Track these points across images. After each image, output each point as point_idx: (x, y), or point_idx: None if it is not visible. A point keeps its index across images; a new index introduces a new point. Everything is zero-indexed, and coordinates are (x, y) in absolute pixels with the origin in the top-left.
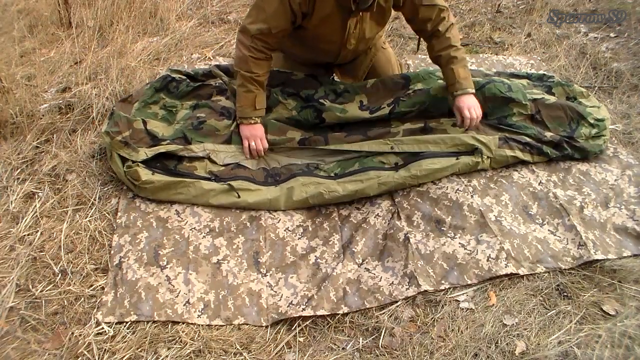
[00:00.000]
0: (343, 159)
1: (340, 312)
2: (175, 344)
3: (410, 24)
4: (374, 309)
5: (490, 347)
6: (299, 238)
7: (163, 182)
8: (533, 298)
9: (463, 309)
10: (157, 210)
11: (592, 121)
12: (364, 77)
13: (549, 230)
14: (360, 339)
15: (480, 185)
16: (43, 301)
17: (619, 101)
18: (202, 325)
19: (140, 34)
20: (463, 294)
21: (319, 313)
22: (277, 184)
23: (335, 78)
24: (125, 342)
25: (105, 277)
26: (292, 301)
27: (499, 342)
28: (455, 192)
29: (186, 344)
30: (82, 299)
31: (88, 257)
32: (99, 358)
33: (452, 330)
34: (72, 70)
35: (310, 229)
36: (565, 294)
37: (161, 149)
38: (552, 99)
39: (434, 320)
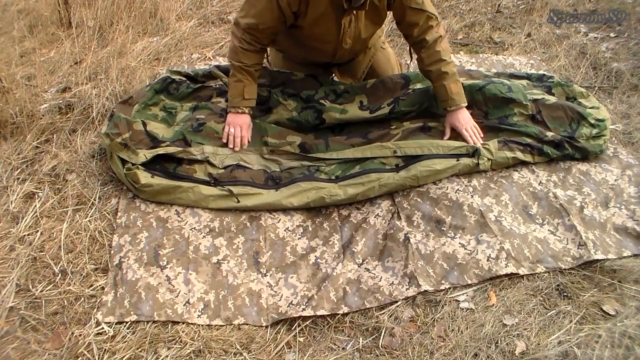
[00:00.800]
0: (343, 162)
1: (340, 312)
2: (175, 344)
3: (398, 26)
4: (374, 309)
5: (490, 347)
6: (299, 238)
7: (162, 186)
8: (533, 298)
9: (463, 309)
10: (157, 210)
11: (592, 121)
12: (363, 77)
13: (549, 230)
14: (360, 339)
15: (480, 185)
16: (43, 301)
17: (619, 101)
18: (202, 325)
19: (140, 34)
20: (463, 294)
21: (319, 313)
22: (277, 187)
23: (335, 78)
24: (125, 342)
25: (105, 277)
26: (292, 301)
27: (499, 342)
28: (455, 192)
29: (186, 344)
30: (82, 299)
31: (88, 257)
32: (99, 358)
33: (452, 330)
34: (72, 70)
35: (310, 229)
36: (565, 294)
37: (160, 150)
38: (552, 99)
39: (434, 320)
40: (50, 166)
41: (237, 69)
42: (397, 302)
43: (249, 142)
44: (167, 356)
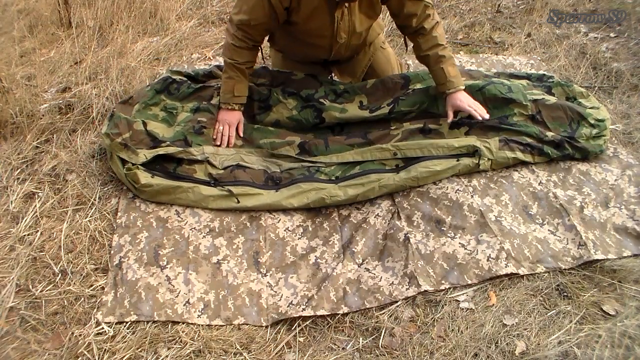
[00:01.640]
0: (344, 162)
1: (340, 312)
2: (175, 344)
3: (395, 18)
4: (374, 309)
5: (490, 347)
6: (299, 238)
7: (162, 186)
8: (533, 298)
9: (463, 309)
10: (157, 210)
11: (592, 121)
12: (362, 76)
13: (549, 230)
14: (360, 339)
15: (480, 185)
16: (43, 301)
17: (619, 101)
18: (202, 325)
19: (140, 34)
20: (463, 294)
21: (319, 313)
22: (277, 188)
23: (334, 77)
24: (125, 342)
25: (105, 277)
26: (292, 301)
27: (499, 342)
28: (455, 192)
29: (186, 344)
30: (82, 299)
31: (88, 257)
32: (99, 358)
33: (452, 330)
34: (72, 70)
35: (310, 229)
36: (565, 294)
37: (160, 151)
38: (552, 99)
39: (434, 320)
40: (50, 166)
41: (229, 66)
42: (397, 302)
43: (247, 140)
44: (167, 356)
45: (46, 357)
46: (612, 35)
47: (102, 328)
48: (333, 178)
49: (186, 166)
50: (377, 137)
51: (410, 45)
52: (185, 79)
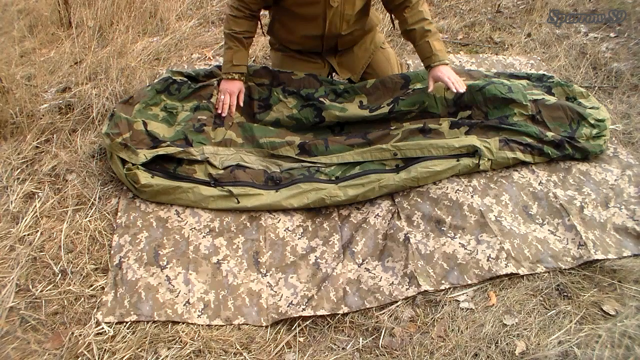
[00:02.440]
0: (344, 162)
1: (340, 312)
2: (175, 344)
3: None
4: (374, 309)
5: (490, 347)
6: (299, 238)
7: (162, 186)
8: (533, 298)
9: (463, 309)
10: (157, 210)
11: (592, 122)
12: (362, 74)
13: (549, 230)
14: (360, 339)
15: (480, 185)
16: (43, 301)
17: (619, 101)
18: (202, 325)
19: (140, 34)
20: (463, 294)
21: (319, 313)
22: (277, 188)
23: (334, 74)
24: (125, 342)
25: (105, 277)
26: (292, 301)
27: (499, 342)
28: (455, 192)
29: (186, 344)
30: (82, 299)
31: (88, 257)
32: (99, 358)
33: (452, 330)
34: (72, 70)
35: (310, 229)
36: (565, 294)
37: (160, 151)
38: (552, 99)
39: (434, 320)
40: (50, 166)
41: (227, 37)
42: (397, 302)
43: (247, 139)
44: (167, 356)
45: (46, 357)
46: (612, 35)
47: (102, 328)
48: (333, 178)
49: (186, 166)
50: (377, 137)
51: (396, 22)
52: (185, 79)
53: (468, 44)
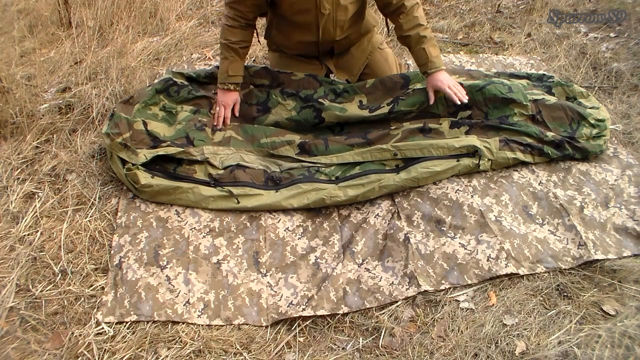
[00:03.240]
0: (344, 162)
1: (340, 312)
2: (175, 344)
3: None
4: (374, 309)
5: (490, 347)
6: (299, 238)
7: (162, 187)
8: (533, 298)
9: (463, 309)
10: (157, 210)
11: (592, 122)
12: (359, 74)
13: (549, 230)
14: (360, 339)
15: (480, 185)
16: (43, 301)
17: (619, 101)
18: (202, 325)
19: (140, 34)
20: (463, 294)
21: (319, 313)
22: (277, 188)
23: (331, 75)
24: (125, 342)
25: (105, 277)
26: (292, 301)
27: (499, 342)
28: (455, 192)
29: (186, 344)
30: (82, 299)
31: (88, 257)
32: (99, 358)
33: (452, 330)
34: (72, 70)
35: (310, 229)
36: (565, 294)
37: (160, 151)
38: (552, 99)
39: (434, 320)
40: (50, 166)
41: (223, 47)
42: (397, 302)
43: (247, 139)
44: (167, 356)
45: (46, 357)
46: (612, 35)
47: (102, 328)
48: (333, 178)
49: (186, 166)
50: (376, 137)
51: (392, 26)
52: (186, 82)
53: (468, 44)
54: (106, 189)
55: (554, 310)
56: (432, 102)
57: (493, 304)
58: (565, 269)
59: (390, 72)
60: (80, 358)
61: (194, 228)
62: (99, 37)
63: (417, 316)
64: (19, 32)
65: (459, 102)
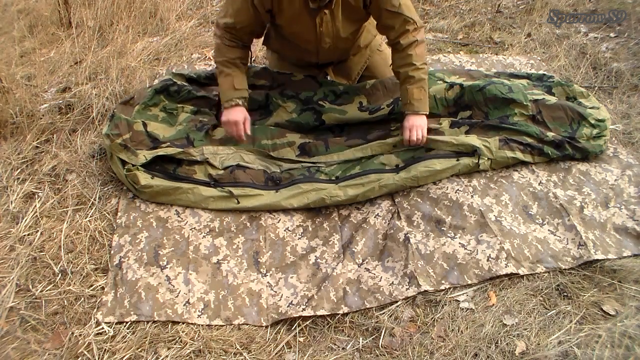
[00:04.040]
0: (344, 161)
1: (340, 312)
2: (175, 344)
3: (377, 27)
4: (374, 309)
5: (490, 347)
6: (299, 238)
7: (162, 187)
8: (533, 298)
9: (463, 309)
10: (157, 210)
11: (592, 122)
12: (358, 78)
13: (549, 230)
14: (360, 339)
15: (480, 185)
16: (43, 301)
17: (619, 101)
18: (202, 325)
19: (140, 34)
20: (463, 294)
21: (319, 313)
22: (277, 188)
23: (329, 78)
24: (125, 342)
25: (105, 277)
26: (292, 301)
27: (499, 342)
28: (455, 192)
29: (186, 344)
30: (82, 299)
31: (88, 257)
32: (99, 358)
33: (452, 330)
34: (72, 70)
35: (310, 229)
36: (565, 294)
37: (160, 152)
38: (552, 99)
39: (434, 320)
40: (50, 166)
41: (223, 64)
42: (397, 302)
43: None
44: (167, 356)
45: (46, 357)
46: (612, 35)
47: (102, 328)
48: (333, 178)
49: (186, 167)
50: (376, 138)
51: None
52: (186, 84)
53: (468, 44)
54: (106, 189)
55: (554, 310)
56: (405, 141)
57: (493, 304)
58: (565, 269)
59: (389, 74)
60: (80, 358)
61: (194, 228)
62: (99, 37)
63: (417, 316)
64: (19, 32)
65: (407, 143)
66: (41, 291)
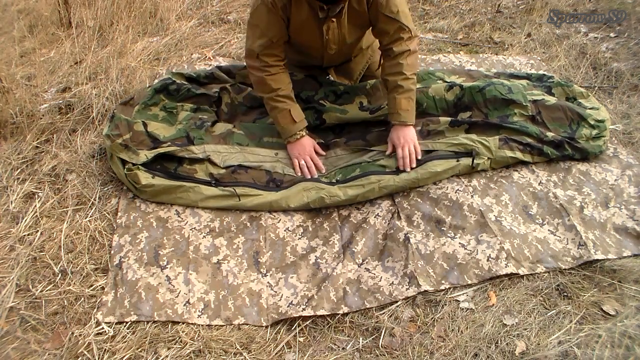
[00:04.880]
0: (345, 165)
1: (340, 312)
2: (175, 344)
3: (372, 31)
4: (374, 309)
5: (490, 347)
6: (299, 238)
7: (163, 186)
8: (533, 298)
9: (463, 309)
10: (157, 210)
11: (592, 122)
12: (360, 78)
13: (549, 230)
14: (360, 339)
15: (480, 185)
16: (43, 301)
17: (619, 101)
18: (202, 325)
19: (140, 34)
20: (463, 294)
21: (319, 313)
22: (278, 189)
23: (331, 78)
24: (125, 342)
25: (105, 277)
26: (292, 301)
27: (499, 342)
28: (455, 192)
29: (186, 344)
30: (82, 299)
31: (88, 257)
32: (99, 358)
33: (452, 330)
34: (72, 70)
35: (310, 229)
36: (565, 294)
37: (161, 150)
38: (552, 100)
39: (434, 320)
40: (50, 166)
41: (273, 100)
42: (397, 302)
43: (249, 137)
44: (167, 356)
45: (46, 357)
46: (612, 35)
47: (102, 328)
48: (334, 181)
49: (187, 166)
50: (376, 138)
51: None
52: (186, 82)
53: (468, 44)
54: (106, 189)
55: (554, 310)
56: (387, 152)
57: (493, 304)
58: (565, 269)
59: None
60: (80, 358)
61: (194, 228)
62: (99, 37)
63: (417, 316)
64: (19, 32)
65: (401, 168)
66: (41, 291)
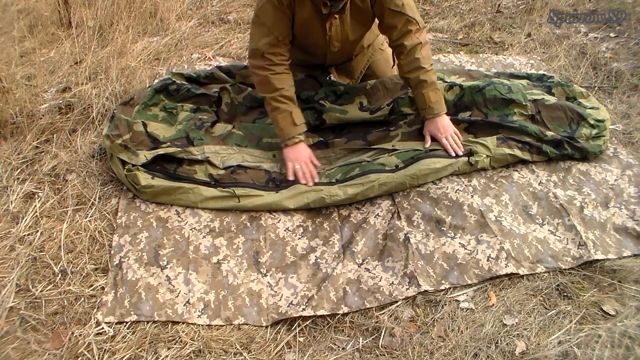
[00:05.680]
0: (344, 164)
1: (340, 312)
2: (175, 344)
3: (379, 27)
4: (374, 309)
5: (490, 347)
6: (299, 238)
7: (163, 187)
8: (533, 298)
9: (463, 309)
10: (157, 210)
11: (592, 122)
12: (361, 77)
13: (549, 230)
14: (360, 339)
15: (480, 185)
16: (43, 301)
17: (619, 101)
18: (202, 325)
19: (140, 34)
20: (463, 294)
21: (319, 313)
22: (277, 189)
23: (332, 77)
24: (125, 342)
25: (105, 277)
26: (292, 301)
27: (499, 342)
28: (455, 192)
29: (186, 344)
30: (82, 299)
31: (88, 257)
32: (99, 358)
33: (452, 330)
34: (72, 70)
35: (310, 229)
36: (565, 294)
37: (160, 151)
38: (552, 99)
39: (434, 320)
40: (50, 166)
41: (276, 100)
42: (397, 302)
43: (248, 137)
44: (167, 356)
45: (46, 357)
46: (612, 35)
47: (102, 328)
48: (333, 180)
49: (186, 167)
50: (376, 138)
51: (396, 62)
52: (186, 83)
53: (468, 44)
54: (106, 189)
55: (554, 310)
56: (427, 145)
57: (493, 304)
58: (565, 269)
59: (390, 73)
60: (80, 358)
61: (194, 228)
62: (99, 37)
63: (417, 316)
64: (19, 32)
65: (453, 154)
66: (41, 291)
